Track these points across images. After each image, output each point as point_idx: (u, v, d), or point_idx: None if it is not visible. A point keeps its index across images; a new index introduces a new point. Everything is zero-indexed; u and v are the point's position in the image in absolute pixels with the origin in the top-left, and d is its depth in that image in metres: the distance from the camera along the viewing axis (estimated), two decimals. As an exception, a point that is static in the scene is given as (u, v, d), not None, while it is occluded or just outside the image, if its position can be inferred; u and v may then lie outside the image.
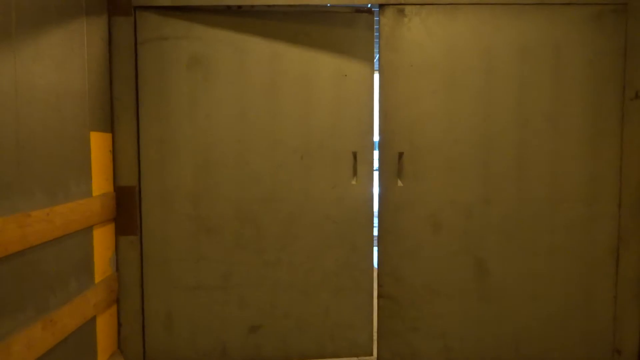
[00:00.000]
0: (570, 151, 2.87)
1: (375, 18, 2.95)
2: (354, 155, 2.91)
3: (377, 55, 2.85)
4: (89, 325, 2.57)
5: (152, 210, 2.92)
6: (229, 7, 2.86)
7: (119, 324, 2.92)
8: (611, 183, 2.87)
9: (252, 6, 2.85)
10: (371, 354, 3.00)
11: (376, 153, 3.06)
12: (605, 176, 2.87)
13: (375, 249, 3.19)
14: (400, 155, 2.87)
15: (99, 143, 2.67)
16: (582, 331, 2.93)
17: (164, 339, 2.98)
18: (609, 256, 2.90)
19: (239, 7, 2.86)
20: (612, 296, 2.91)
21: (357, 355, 3.01)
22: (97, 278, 2.65)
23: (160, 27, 2.85)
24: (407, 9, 2.84)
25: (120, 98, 2.83)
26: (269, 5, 2.84)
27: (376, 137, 2.87)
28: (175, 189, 2.91)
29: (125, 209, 2.87)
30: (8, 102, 1.93)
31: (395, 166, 2.88)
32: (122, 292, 2.91)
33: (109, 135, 2.80)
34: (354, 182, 2.92)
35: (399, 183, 2.89)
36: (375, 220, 3.10)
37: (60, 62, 2.30)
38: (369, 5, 2.89)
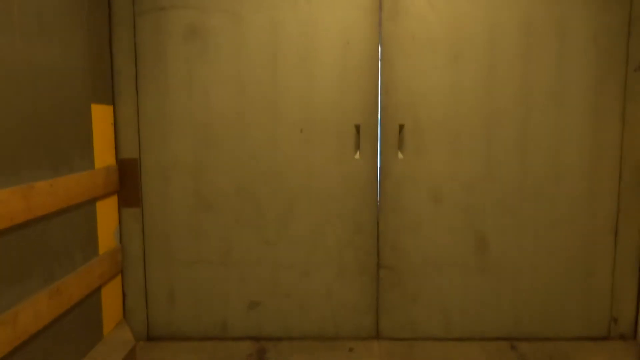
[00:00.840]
0: (573, 126, 2.87)
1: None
2: (357, 128, 2.90)
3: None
4: (95, 295, 2.60)
5: (152, 184, 2.93)
6: (229, -23, 2.83)
7: (124, 295, 2.95)
8: (612, 158, 2.88)
9: (253, -24, 2.82)
10: (376, 337, 3.01)
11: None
12: (607, 151, 2.88)
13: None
14: (401, 127, 2.87)
15: (100, 115, 2.67)
16: (580, 302, 2.97)
17: (167, 311, 3.01)
18: (608, 229, 2.92)
19: (240, -23, 2.83)
20: (610, 268, 2.94)
21: (360, 337, 3.03)
22: (102, 249, 2.67)
23: (158, -3, 2.82)
24: (410, -20, 2.81)
25: (121, 71, 2.82)
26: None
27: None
28: (175, 163, 2.92)
29: (128, 182, 2.89)
30: (12, 75, 1.92)
31: (397, 139, 2.88)
32: (126, 264, 2.94)
33: (110, 108, 2.79)
34: (357, 157, 2.92)
35: (400, 155, 2.89)
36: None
37: (62, 35, 2.29)
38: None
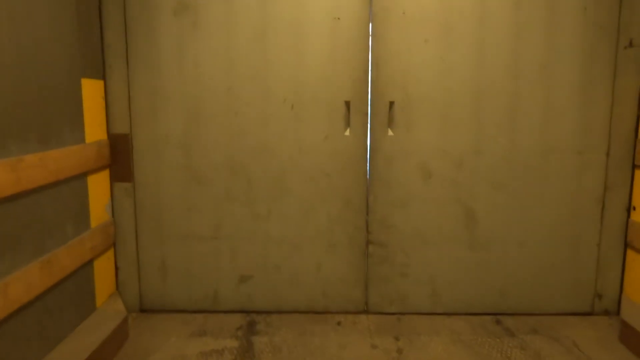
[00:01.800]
0: (563, 101, 2.87)
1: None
2: (347, 104, 2.90)
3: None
4: (87, 267, 2.64)
5: (143, 159, 2.95)
6: (219, -49, 2.81)
7: (117, 268, 3.00)
8: (601, 132, 2.89)
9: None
10: (365, 310, 3.07)
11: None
12: (596, 125, 2.89)
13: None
14: (391, 104, 2.88)
15: (90, 90, 2.68)
16: (566, 277, 3.02)
17: (159, 284, 3.06)
18: (595, 204, 2.95)
19: (230, -49, 2.81)
20: (596, 245, 2.98)
21: (349, 311, 3.08)
22: (93, 223, 2.70)
23: (148, -29, 2.81)
24: (401, -46, 2.79)
25: (111, 45, 2.82)
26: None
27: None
28: (166, 138, 2.93)
29: (120, 157, 2.91)
30: (-3, 46, 1.94)
31: (387, 116, 2.89)
32: (119, 238, 2.98)
33: (100, 83, 2.80)
34: (347, 133, 2.93)
35: (390, 132, 2.90)
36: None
37: (50, 11, 2.29)
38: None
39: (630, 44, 2.79)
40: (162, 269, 3.05)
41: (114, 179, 2.93)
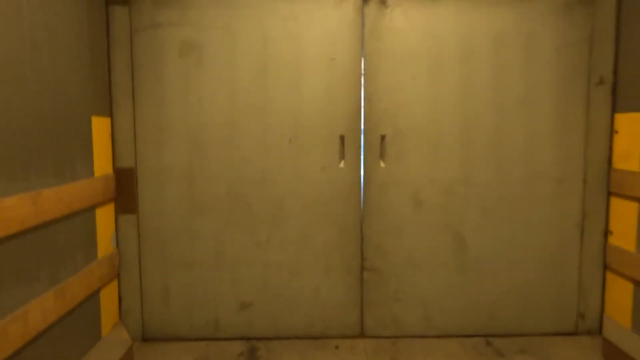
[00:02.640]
0: (542, 133, 3.09)
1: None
2: (342, 138, 3.08)
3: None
4: (94, 297, 2.74)
5: (148, 190, 3.08)
6: (221, -4, 3.01)
7: (120, 297, 3.09)
8: (577, 161, 3.11)
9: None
10: (361, 334, 3.19)
11: (361, 136, 3.24)
12: (572, 156, 3.10)
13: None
14: (383, 137, 3.06)
15: (99, 127, 2.82)
16: (550, 298, 3.18)
17: (161, 313, 3.16)
18: (575, 229, 3.14)
19: (231, -6, 3.01)
20: (577, 266, 3.16)
21: (346, 335, 3.19)
22: (100, 254, 2.81)
23: (154, 15, 2.99)
24: (389, 0, 3.01)
25: (119, 84, 2.98)
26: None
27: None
28: (170, 171, 3.07)
29: (125, 189, 3.03)
30: (23, 87, 2.08)
31: (379, 148, 3.08)
32: (123, 268, 3.08)
33: (108, 120, 2.95)
34: (342, 165, 3.10)
35: (382, 164, 3.08)
36: (361, 199, 3.29)
37: (67, 49, 2.45)
38: (355, -4, 3.06)
39: (601, 81, 3.04)
40: (164, 297, 3.14)
41: (119, 211, 3.04)
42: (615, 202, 3.03)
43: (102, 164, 2.85)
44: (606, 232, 3.11)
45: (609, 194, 3.09)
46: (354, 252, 3.15)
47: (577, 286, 3.17)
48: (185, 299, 3.15)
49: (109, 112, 2.98)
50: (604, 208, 3.10)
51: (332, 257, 3.15)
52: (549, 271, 3.17)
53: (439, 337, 3.19)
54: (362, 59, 3.04)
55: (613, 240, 3.04)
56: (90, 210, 2.71)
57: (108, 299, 2.93)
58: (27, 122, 2.11)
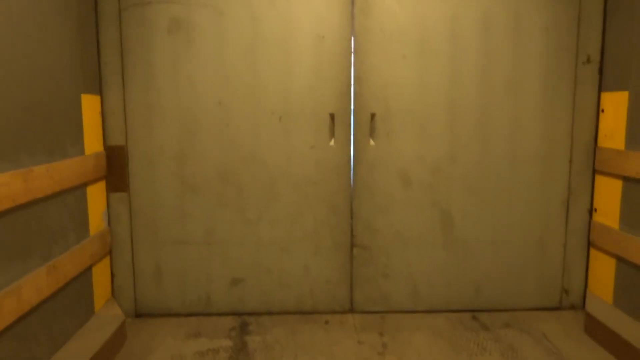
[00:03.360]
0: (528, 113, 3.13)
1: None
2: (332, 117, 3.11)
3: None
4: (86, 274, 2.78)
5: (139, 170, 3.10)
6: (210, -26, 3.00)
7: (112, 275, 3.13)
8: (563, 143, 3.15)
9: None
10: (350, 309, 3.25)
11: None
12: (559, 136, 3.15)
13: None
14: (373, 116, 3.09)
15: (89, 105, 2.83)
16: (535, 275, 3.26)
17: (154, 290, 3.20)
18: (561, 208, 3.20)
19: (220, -27, 3.00)
20: (562, 243, 3.23)
21: (336, 310, 3.26)
22: (92, 231, 2.84)
23: (143, -8, 2.98)
24: (380, -23, 3.02)
25: (108, 62, 2.98)
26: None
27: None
28: (161, 150, 3.09)
29: (115, 168, 3.05)
30: (12, 68, 2.09)
31: (368, 127, 3.10)
32: (114, 245, 3.12)
33: (97, 98, 2.95)
34: (332, 144, 3.13)
35: (372, 142, 3.11)
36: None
37: (55, 30, 2.45)
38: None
39: (588, 60, 3.07)
40: (156, 274, 3.18)
41: (110, 189, 3.07)
42: (600, 180, 3.09)
43: (92, 142, 2.86)
44: (591, 210, 3.16)
45: (594, 172, 3.14)
46: (344, 229, 3.19)
47: (562, 262, 3.25)
48: (177, 276, 3.20)
49: (99, 91, 2.98)
50: (590, 186, 3.16)
51: (322, 234, 3.19)
52: (533, 248, 3.24)
53: (426, 312, 3.26)
54: (352, 37, 3.05)
55: (597, 218, 3.11)
56: (81, 187, 2.73)
57: (100, 276, 2.97)
58: (16, 101, 2.12)
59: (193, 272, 3.20)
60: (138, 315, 3.20)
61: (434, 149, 3.14)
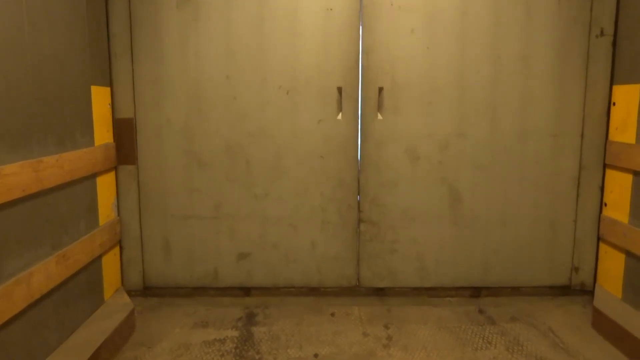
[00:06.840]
0: (539, 88, 3.06)
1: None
2: (339, 90, 3.04)
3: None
4: (96, 263, 2.81)
5: (147, 144, 3.09)
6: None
7: (121, 248, 3.16)
8: (575, 117, 3.09)
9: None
10: (357, 284, 3.27)
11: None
12: (570, 110, 3.09)
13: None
14: (381, 90, 3.02)
15: (99, 96, 2.81)
16: (544, 252, 3.24)
17: (162, 262, 3.23)
18: (571, 185, 3.17)
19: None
20: (572, 220, 3.21)
21: (342, 285, 3.28)
22: (102, 221, 2.87)
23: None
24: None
25: (117, 35, 2.98)
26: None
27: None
28: (169, 123, 3.07)
29: (124, 140, 3.05)
30: (22, 60, 2.07)
31: (376, 101, 3.04)
32: (123, 218, 3.13)
33: (107, 90, 2.94)
34: (339, 118, 3.08)
35: (379, 116, 3.06)
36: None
37: (64, 20, 2.43)
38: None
39: (602, 33, 2.97)
40: (165, 248, 3.21)
41: (119, 161, 3.06)
42: (610, 174, 3.05)
43: (102, 134, 2.86)
44: (602, 187, 3.13)
45: (605, 166, 3.09)
46: (351, 205, 3.19)
47: (572, 239, 3.23)
48: (184, 250, 3.22)
49: (109, 82, 2.97)
50: (601, 162, 3.11)
51: (329, 209, 3.19)
52: (544, 225, 3.22)
53: (432, 288, 3.28)
54: (360, 10, 2.94)
55: (607, 212, 3.07)
56: (91, 178, 2.74)
57: (110, 265, 3.01)
58: (27, 93, 2.12)
59: (201, 246, 3.22)
60: (147, 287, 3.24)
61: (442, 124, 3.09)
